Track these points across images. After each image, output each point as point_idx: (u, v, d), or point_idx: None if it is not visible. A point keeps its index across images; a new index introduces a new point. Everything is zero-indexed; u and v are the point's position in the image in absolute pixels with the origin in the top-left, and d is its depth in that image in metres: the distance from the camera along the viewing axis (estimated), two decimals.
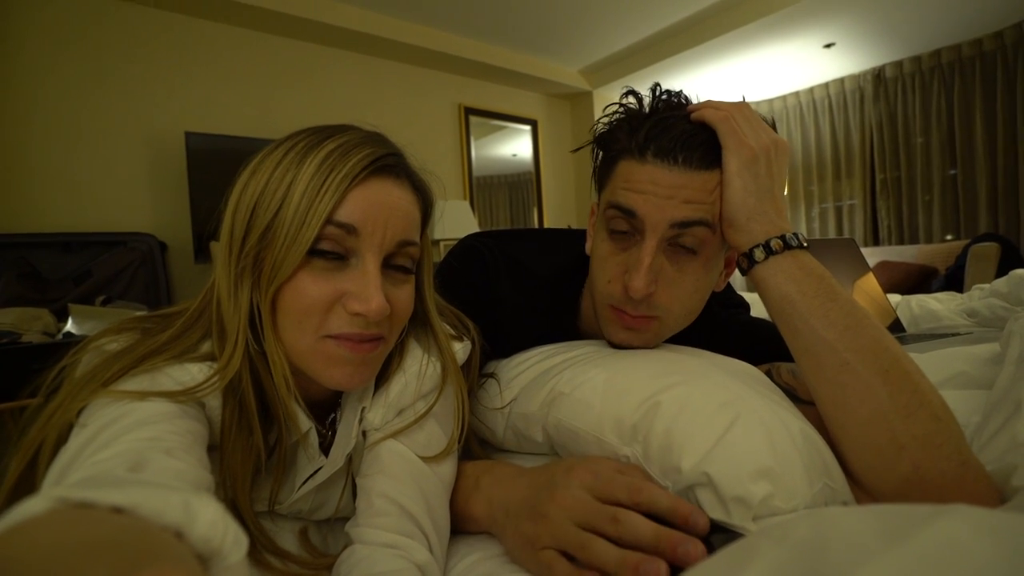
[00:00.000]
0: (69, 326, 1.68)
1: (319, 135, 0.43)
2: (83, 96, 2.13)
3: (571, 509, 0.39)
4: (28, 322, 1.67)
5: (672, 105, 0.56)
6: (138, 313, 0.47)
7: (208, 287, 0.45)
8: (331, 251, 0.41)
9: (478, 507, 0.48)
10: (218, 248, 0.43)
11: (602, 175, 0.59)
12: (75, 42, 2.12)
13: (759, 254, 0.51)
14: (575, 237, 0.73)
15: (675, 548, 0.34)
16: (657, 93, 0.56)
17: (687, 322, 0.59)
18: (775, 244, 0.50)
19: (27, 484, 0.36)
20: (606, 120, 0.58)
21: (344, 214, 0.40)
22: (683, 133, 0.51)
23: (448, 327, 0.54)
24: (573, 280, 0.70)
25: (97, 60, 2.16)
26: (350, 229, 0.41)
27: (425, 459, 0.47)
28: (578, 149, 0.66)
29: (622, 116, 0.57)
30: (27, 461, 0.36)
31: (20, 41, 2.01)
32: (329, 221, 0.40)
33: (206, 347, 0.43)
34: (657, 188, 0.51)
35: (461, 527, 0.50)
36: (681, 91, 0.57)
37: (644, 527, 0.36)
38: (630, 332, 0.57)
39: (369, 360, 0.44)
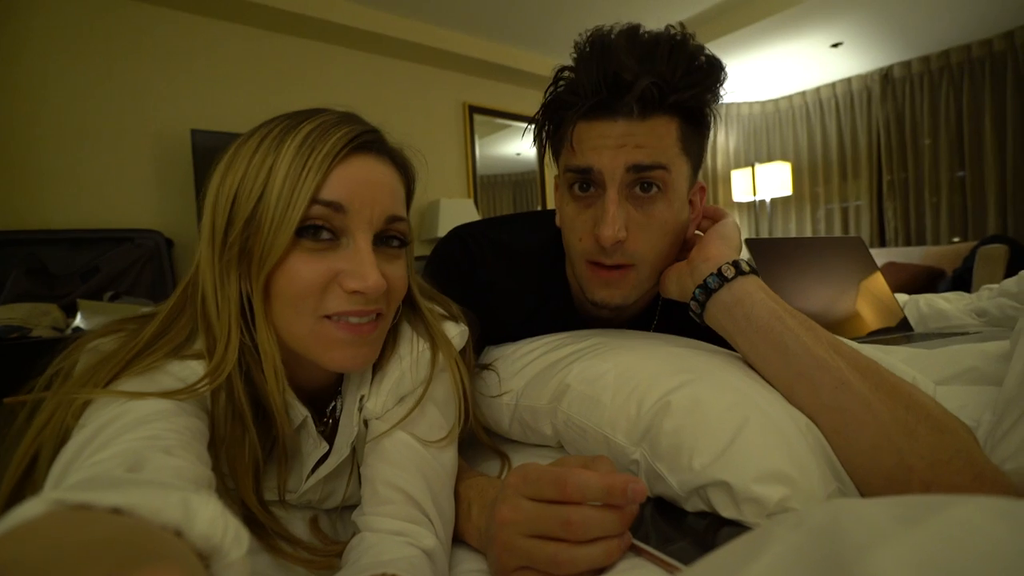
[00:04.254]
0: (78, 321, 1.69)
1: (294, 119, 0.43)
2: (90, 95, 2.14)
3: (515, 523, 0.36)
4: (37, 317, 1.68)
5: (603, 50, 0.53)
6: (144, 309, 0.47)
7: (184, 284, 0.44)
8: (320, 230, 0.41)
9: (471, 537, 0.46)
10: (201, 245, 0.43)
11: (556, 144, 0.60)
12: (81, 42, 2.13)
13: (728, 270, 0.50)
14: None
15: (625, 497, 0.33)
16: (582, 41, 0.56)
17: (663, 265, 0.60)
18: (744, 264, 0.51)
19: (27, 486, 0.36)
20: (549, 91, 0.59)
21: (329, 192, 0.40)
22: (621, 88, 0.52)
23: (439, 308, 0.54)
24: (560, 250, 0.70)
25: (103, 59, 2.18)
26: (337, 207, 0.41)
27: (428, 443, 0.47)
28: (528, 123, 0.63)
29: (563, 85, 0.58)
30: (25, 465, 0.36)
31: (26, 42, 2.02)
32: (315, 200, 0.40)
33: (198, 344, 0.42)
34: (607, 140, 0.53)
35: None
36: (614, 26, 0.56)
37: (593, 518, 0.34)
38: (609, 288, 0.59)
39: (370, 340, 0.44)
